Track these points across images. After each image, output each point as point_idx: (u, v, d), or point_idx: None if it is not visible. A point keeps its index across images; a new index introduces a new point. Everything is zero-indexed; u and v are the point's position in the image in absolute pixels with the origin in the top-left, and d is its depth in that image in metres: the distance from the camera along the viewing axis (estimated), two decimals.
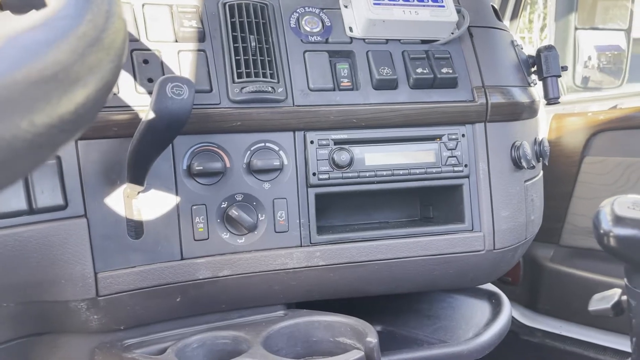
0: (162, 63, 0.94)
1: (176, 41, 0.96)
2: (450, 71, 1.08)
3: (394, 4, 1.06)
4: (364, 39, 1.07)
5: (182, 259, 0.95)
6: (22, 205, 0.82)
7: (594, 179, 1.85)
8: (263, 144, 0.99)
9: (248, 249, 0.98)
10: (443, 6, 1.09)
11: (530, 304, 2.00)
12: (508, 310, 1.24)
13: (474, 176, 1.10)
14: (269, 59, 0.99)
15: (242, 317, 1.05)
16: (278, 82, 0.99)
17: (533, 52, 1.22)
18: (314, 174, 1.01)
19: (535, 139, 1.21)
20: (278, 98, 0.98)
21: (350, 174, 1.03)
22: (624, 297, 0.84)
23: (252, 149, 0.98)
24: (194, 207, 0.95)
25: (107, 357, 0.94)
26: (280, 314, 1.06)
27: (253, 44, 0.99)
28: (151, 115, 0.78)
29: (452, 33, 1.11)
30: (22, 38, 0.36)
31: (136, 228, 0.92)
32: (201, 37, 0.97)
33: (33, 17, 0.39)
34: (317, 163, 1.01)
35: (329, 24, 1.06)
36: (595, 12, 2.37)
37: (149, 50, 0.94)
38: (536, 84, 1.22)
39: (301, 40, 1.04)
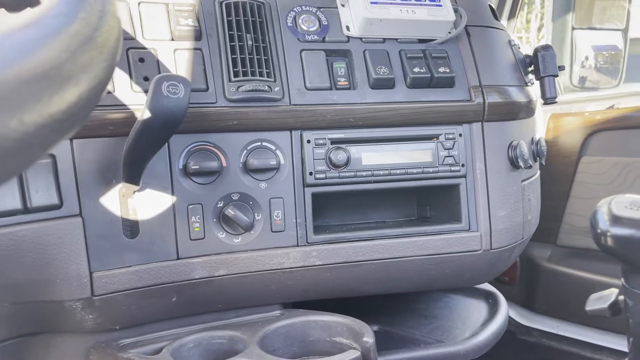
0: (158, 62, 0.94)
1: (172, 40, 0.96)
2: (448, 70, 1.07)
3: (391, 3, 1.06)
4: (361, 38, 1.06)
5: (178, 258, 0.94)
6: (17, 204, 0.82)
7: (591, 179, 1.85)
8: (259, 143, 0.98)
9: (244, 249, 0.98)
10: (440, 5, 1.08)
11: (527, 304, 2.00)
12: (505, 310, 1.24)
13: (471, 176, 1.10)
14: (266, 57, 0.99)
15: (238, 317, 1.05)
16: (275, 81, 0.99)
17: (530, 52, 1.22)
18: (310, 174, 1.01)
19: (533, 138, 1.21)
20: (275, 97, 0.98)
21: (347, 174, 1.03)
22: (621, 297, 0.84)
23: (248, 148, 0.98)
24: (190, 206, 0.94)
25: (102, 357, 0.93)
26: (277, 314, 1.06)
27: (250, 42, 0.98)
28: (147, 114, 0.77)
29: (450, 32, 1.11)
30: (14, 36, 0.36)
31: (132, 227, 0.92)
32: (197, 36, 0.97)
33: (26, 15, 0.39)
34: (313, 162, 1.01)
35: (325, 22, 1.06)
36: (592, 12, 2.37)
37: (145, 48, 0.94)
38: (533, 83, 1.22)
39: (298, 39, 1.03)
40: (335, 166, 1.02)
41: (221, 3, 1.00)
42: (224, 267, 0.96)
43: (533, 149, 1.19)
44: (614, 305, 0.84)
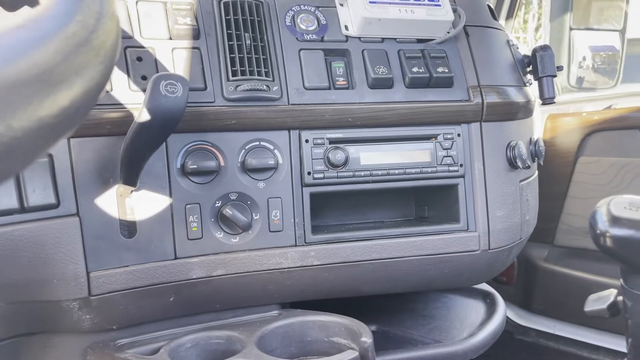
0: (156, 61, 0.93)
1: (170, 39, 0.95)
2: (446, 70, 1.07)
3: (390, 3, 1.06)
4: (359, 38, 1.06)
5: (175, 258, 0.94)
6: (14, 203, 0.81)
7: (588, 179, 1.85)
8: (258, 143, 0.98)
9: (242, 249, 0.97)
10: (439, 5, 1.08)
11: (524, 304, 2.01)
12: (503, 310, 1.24)
13: (469, 176, 1.10)
14: (264, 57, 0.99)
15: (236, 317, 1.04)
16: (273, 80, 0.98)
17: (528, 52, 1.22)
18: (308, 173, 1.01)
19: (531, 138, 1.21)
20: (273, 96, 0.97)
21: (345, 174, 1.02)
22: (620, 298, 0.84)
23: (246, 147, 0.97)
24: (188, 206, 0.94)
25: (99, 357, 0.93)
26: (275, 314, 1.06)
27: (248, 42, 0.98)
28: (145, 113, 0.77)
29: (448, 32, 1.11)
30: (5, 37, 0.35)
31: (129, 227, 0.91)
32: (196, 35, 0.97)
33: (21, 16, 0.38)
34: (312, 162, 1.01)
35: (324, 22, 1.06)
36: (590, 13, 2.38)
37: (142, 47, 0.93)
38: (532, 83, 1.21)
39: (296, 38, 1.03)
40: (334, 166, 1.02)
41: (219, 2, 1.00)
42: (221, 267, 0.96)
43: (531, 149, 1.19)
44: (613, 306, 0.84)
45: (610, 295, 0.86)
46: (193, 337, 0.95)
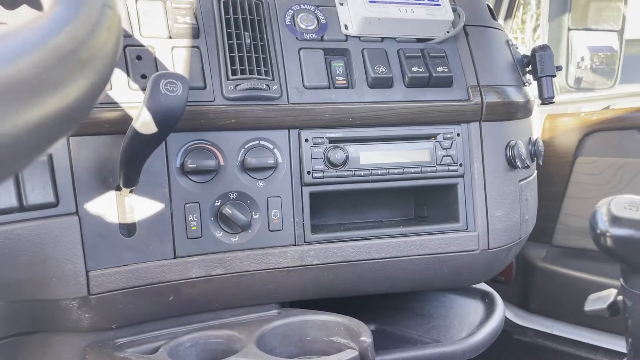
0: (155, 59, 0.93)
1: (170, 37, 0.95)
2: (446, 70, 1.07)
3: (390, 2, 1.06)
4: (359, 37, 1.06)
5: (174, 257, 0.94)
6: (13, 202, 0.81)
7: (586, 179, 1.85)
8: (257, 142, 0.98)
9: (242, 248, 0.97)
10: (439, 5, 1.08)
11: (522, 304, 2.01)
12: (501, 309, 1.24)
13: (469, 175, 1.10)
14: (264, 56, 0.99)
15: (236, 316, 1.04)
16: (273, 79, 0.98)
17: (526, 53, 1.22)
18: (308, 173, 1.00)
19: (530, 138, 1.21)
20: (273, 96, 0.97)
21: (345, 173, 1.02)
22: (620, 298, 0.84)
23: (246, 146, 0.97)
24: (187, 205, 0.94)
25: (98, 356, 0.93)
26: (274, 313, 1.05)
27: (248, 41, 0.98)
28: (144, 111, 0.77)
29: (448, 32, 1.11)
30: None
31: (128, 226, 0.91)
32: (195, 34, 0.96)
33: (11, 24, 0.38)
34: (311, 161, 1.01)
35: (324, 21, 1.06)
36: (588, 13, 2.38)
37: (142, 46, 0.93)
38: (531, 83, 1.22)
39: (296, 37, 1.03)
40: (333, 165, 1.02)
41: (219, 1, 1.00)
42: (221, 266, 0.96)
43: (530, 149, 1.19)
44: (613, 305, 0.84)
45: (610, 295, 0.86)
46: (192, 337, 0.95)
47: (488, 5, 1.23)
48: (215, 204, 0.95)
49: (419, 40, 1.10)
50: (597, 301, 0.87)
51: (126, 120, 0.87)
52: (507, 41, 1.20)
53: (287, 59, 1.01)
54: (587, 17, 2.38)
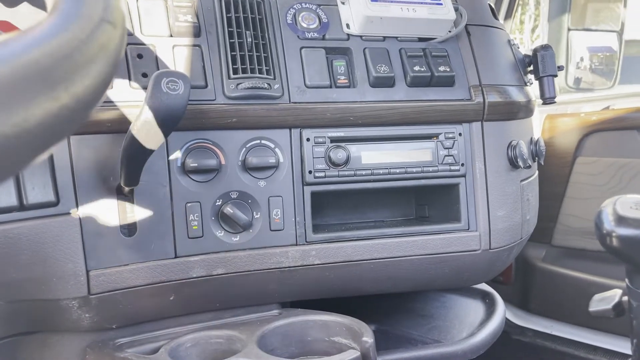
0: (156, 58, 0.93)
1: (171, 36, 0.95)
2: (448, 69, 1.07)
3: (392, 1, 1.05)
4: (361, 36, 1.06)
5: (175, 257, 0.93)
6: (13, 201, 0.81)
7: (586, 180, 1.85)
8: (258, 141, 0.97)
9: (243, 247, 0.97)
10: (441, 4, 1.08)
11: (521, 304, 2.01)
12: (502, 310, 1.24)
13: (471, 175, 1.10)
14: (265, 55, 0.98)
15: (236, 316, 1.04)
16: (274, 78, 0.98)
17: (522, 52, 1.22)
18: (310, 172, 1.00)
19: (532, 138, 1.21)
20: (274, 95, 0.97)
21: (346, 172, 1.02)
22: (625, 298, 0.84)
23: (247, 146, 0.97)
24: (188, 204, 0.93)
25: (98, 356, 0.92)
26: (275, 313, 1.05)
27: (249, 39, 0.97)
28: (146, 110, 0.76)
29: (450, 31, 1.11)
30: None
31: (129, 225, 0.91)
32: (196, 32, 0.96)
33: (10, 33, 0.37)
34: (313, 161, 1.00)
35: (325, 20, 1.05)
36: (588, 14, 2.38)
37: (143, 44, 0.92)
38: (532, 83, 1.21)
39: (298, 36, 1.03)
40: (335, 165, 1.01)
41: None
42: (222, 266, 0.95)
43: (532, 148, 1.19)
44: (618, 306, 0.84)
45: (615, 295, 0.86)
46: (193, 337, 0.94)
47: (490, 5, 1.22)
48: (217, 204, 0.95)
49: (421, 40, 1.10)
50: (602, 302, 0.86)
51: (127, 119, 0.87)
52: (509, 41, 1.20)
53: (289, 58, 1.01)
54: (586, 17, 2.38)
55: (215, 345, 0.95)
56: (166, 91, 0.76)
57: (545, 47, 1.18)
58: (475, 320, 1.24)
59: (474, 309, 1.28)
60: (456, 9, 1.11)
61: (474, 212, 1.10)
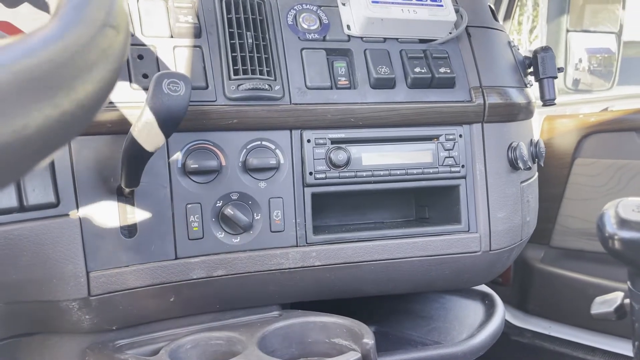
0: (157, 59, 0.92)
1: (172, 37, 0.95)
2: (448, 71, 1.07)
3: (393, 3, 1.05)
4: (361, 37, 1.06)
5: (176, 258, 0.93)
6: (13, 202, 0.80)
7: (584, 181, 1.85)
8: (259, 143, 0.97)
9: (243, 249, 0.97)
10: (441, 5, 1.08)
11: (520, 305, 2.01)
12: (501, 311, 1.24)
13: (471, 177, 1.10)
14: (266, 56, 0.98)
15: (237, 318, 1.04)
16: (275, 79, 0.98)
17: (522, 54, 1.22)
18: (310, 173, 1.00)
19: (532, 140, 1.21)
20: (275, 96, 0.97)
21: (347, 174, 1.02)
22: (627, 301, 0.84)
23: (248, 147, 0.97)
24: (189, 205, 0.93)
25: (98, 357, 0.92)
26: (275, 315, 1.05)
27: (250, 40, 0.97)
28: (147, 111, 0.76)
29: (450, 33, 1.11)
30: None
31: (129, 227, 0.90)
32: (197, 33, 0.96)
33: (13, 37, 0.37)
34: (313, 162, 1.00)
35: (326, 21, 1.05)
36: (586, 15, 2.38)
37: (144, 45, 0.92)
38: (532, 85, 1.22)
39: (298, 37, 1.03)
40: (336, 166, 1.01)
41: (221, 0, 0.99)
42: (222, 267, 0.95)
43: (532, 150, 1.19)
44: (620, 309, 0.84)
45: (617, 298, 0.86)
46: (193, 338, 0.94)
47: (490, 7, 1.23)
48: (217, 205, 0.95)
49: (422, 41, 1.10)
50: (604, 304, 0.86)
51: (128, 120, 0.87)
52: (509, 42, 1.20)
53: (290, 59, 1.00)
54: (585, 18, 2.38)
55: (215, 347, 0.95)
56: (167, 92, 0.75)
57: (546, 49, 1.18)
58: (475, 322, 1.24)
59: (474, 310, 1.28)
60: (457, 11, 1.11)
61: (474, 213, 1.10)
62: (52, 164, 0.84)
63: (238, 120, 0.95)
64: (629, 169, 1.75)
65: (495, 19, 1.21)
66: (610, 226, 0.77)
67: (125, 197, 0.89)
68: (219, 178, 0.95)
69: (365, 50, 1.05)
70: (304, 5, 1.05)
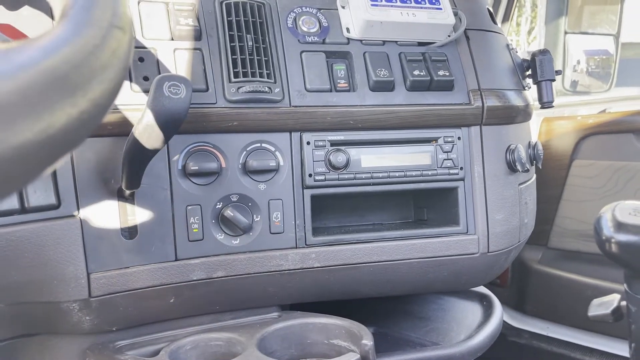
0: (157, 61, 0.93)
1: (172, 39, 0.95)
2: (447, 74, 1.08)
3: (392, 6, 1.06)
4: (361, 40, 1.06)
5: (176, 259, 0.94)
6: (14, 204, 0.81)
7: (582, 182, 1.86)
8: (259, 145, 0.98)
9: (243, 250, 0.97)
10: (440, 8, 1.09)
11: (518, 306, 2.02)
12: (499, 312, 1.25)
13: (469, 179, 1.10)
14: (266, 58, 0.98)
15: (236, 319, 1.04)
16: (275, 82, 0.98)
17: (520, 55, 1.23)
18: (309, 175, 1.00)
19: (530, 142, 1.21)
20: (275, 98, 0.97)
21: (346, 176, 1.02)
22: (623, 303, 0.84)
23: (248, 149, 0.97)
24: (189, 207, 0.94)
25: (98, 358, 0.92)
26: (275, 316, 1.05)
27: (250, 43, 0.98)
28: (147, 114, 0.76)
29: (449, 36, 1.11)
30: None
31: (130, 228, 0.91)
32: (197, 36, 0.96)
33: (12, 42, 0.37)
34: (313, 164, 1.01)
35: (326, 24, 1.06)
36: (584, 17, 2.39)
37: (144, 48, 0.93)
38: (530, 87, 1.22)
39: (298, 40, 1.03)
40: (335, 168, 1.02)
41: (221, 3, 0.99)
42: (222, 269, 0.96)
43: (530, 152, 1.19)
44: (617, 311, 0.85)
45: (613, 300, 0.87)
46: (193, 339, 0.95)
47: (489, 9, 1.23)
48: (217, 207, 0.95)
49: (421, 44, 1.10)
50: (601, 306, 0.87)
51: (129, 122, 0.87)
52: (507, 45, 1.21)
53: (289, 61, 1.01)
54: (583, 20, 2.39)
55: (215, 348, 0.95)
56: (168, 95, 0.76)
57: (544, 52, 1.19)
58: (473, 323, 1.24)
59: (472, 311, 1.29)
60: (455, 14, 1.11)
61: (472, 215, 1.11)
62: None
63: (238, 123, 0.95)
64: (627, 171, 1.76)
65: (494, 21, 1.22)
66: (607, 229, 0.78)
67: (125, 198, 0.90)
68: (219, 180, 0.95)
69: (364, 53, 1.05)
70: (303, 8, 1.06)
